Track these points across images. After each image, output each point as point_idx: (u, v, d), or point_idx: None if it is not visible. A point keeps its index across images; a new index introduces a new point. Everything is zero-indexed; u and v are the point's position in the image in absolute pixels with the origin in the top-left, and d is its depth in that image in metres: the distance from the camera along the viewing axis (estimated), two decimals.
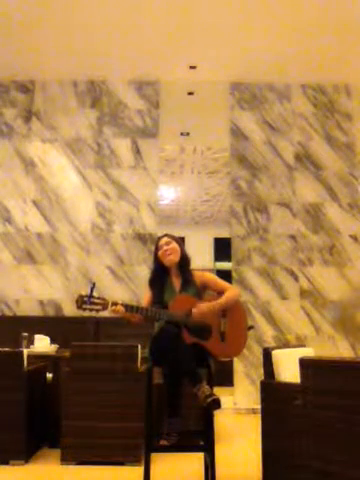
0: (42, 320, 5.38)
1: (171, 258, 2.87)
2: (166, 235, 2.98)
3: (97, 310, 2.60)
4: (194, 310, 2.69)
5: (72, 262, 5.64)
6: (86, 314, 2.67)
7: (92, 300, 2.59)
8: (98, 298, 2.61)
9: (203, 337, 2.68)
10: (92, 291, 2.60)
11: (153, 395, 2.73)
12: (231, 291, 2.85)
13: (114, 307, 2.61)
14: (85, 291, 2.64)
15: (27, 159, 5.86)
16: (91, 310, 2.60)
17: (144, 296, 2.94)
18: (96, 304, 2.60)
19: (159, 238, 2.99)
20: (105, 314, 2.89)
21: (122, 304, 2.62)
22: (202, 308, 2.72)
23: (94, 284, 2.63)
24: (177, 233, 3.12)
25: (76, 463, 3.34)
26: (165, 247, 2.89)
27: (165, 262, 2.89)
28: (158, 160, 6.10)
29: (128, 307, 2.63)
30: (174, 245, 2.91)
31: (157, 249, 2.93)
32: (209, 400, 2.40)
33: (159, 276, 2.90)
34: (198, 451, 2.86)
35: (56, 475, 3.23)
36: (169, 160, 7.86)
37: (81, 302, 2.59)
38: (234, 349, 2.81)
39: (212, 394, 2.43)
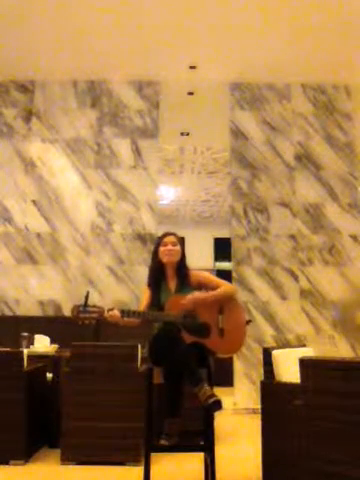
0: (42, 320, 5.37)
1: (171, 259, 2.86)
2: (174, 234, 2.95)
3: (94, 318, 2.59)
4: (188, 296, 2.70)
5: (72, 262, 5.64)
6: (86, 323, 2.64)
7: (87, 309, 2.58)
8: (93, 306, 2.60)
9: (202, 335, 2.68)
10: (87, 300, 2.59)
11: (153, 395, 2.72)
12: (226, 286, 2.86)
13: (111, 312, 2.59)
14: (86, 290, 2.65)
15: (27, 159, 5.86)
16: (88, 319, 2.58)
17: (143, 296, 2.92)
18: (92, 312, 2.59)
19: (166, 234, 2.94)
20: None
21: (118, 309, 2.61)
22: (195, 294, 2.73)
23: (88, 293, 2.62)
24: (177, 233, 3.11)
25: (76, 463, 3.34)
26: (170, 246, 2.86)
27: (163, 258, 2.87)
28: (158, 160, 6.10)
29: (124, 312, 2.62)
30: (178, 248, 2.89)
31: (160, 244, 2.90)
32: (210, 401, 2.40)
33: (156, 276, 2.90)
34: (198, 451, 2.86)
35: (56, 475, 3.23)
36: (169, 160, 7.86)
37: (77, 312, 2.58)
38: (234, 345, 2.80)
39: (213, 395, 2.42)
